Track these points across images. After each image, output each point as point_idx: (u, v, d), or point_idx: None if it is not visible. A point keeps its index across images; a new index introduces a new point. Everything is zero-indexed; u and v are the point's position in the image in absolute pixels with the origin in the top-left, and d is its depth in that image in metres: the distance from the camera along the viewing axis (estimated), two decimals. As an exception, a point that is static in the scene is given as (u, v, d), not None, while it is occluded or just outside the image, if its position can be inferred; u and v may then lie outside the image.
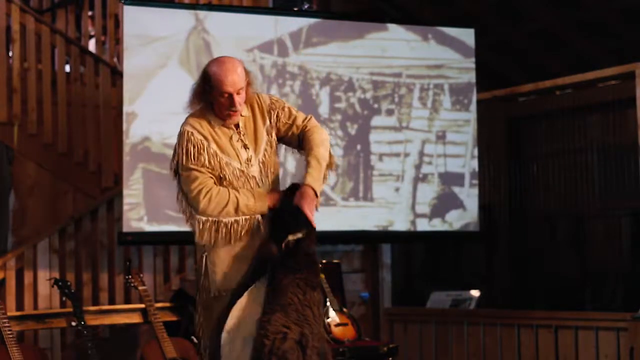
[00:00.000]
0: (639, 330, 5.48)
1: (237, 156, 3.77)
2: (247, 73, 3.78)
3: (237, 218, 3.72)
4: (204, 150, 3.72)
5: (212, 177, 3.73)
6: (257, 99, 3.90)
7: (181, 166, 3.75)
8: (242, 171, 3.76)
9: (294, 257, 3.72)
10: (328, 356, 3.74)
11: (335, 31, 6.31)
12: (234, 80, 3.69)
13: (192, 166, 3.72)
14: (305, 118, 3.93)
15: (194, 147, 3.73)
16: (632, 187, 6.24)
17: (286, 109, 3.92)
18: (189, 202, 3.78)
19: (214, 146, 3.75)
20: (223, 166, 3.74)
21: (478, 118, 6.62)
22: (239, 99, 3.73)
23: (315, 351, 3.65)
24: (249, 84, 3.78)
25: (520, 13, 7.21)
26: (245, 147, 3.80)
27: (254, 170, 3.79)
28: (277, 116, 3.89)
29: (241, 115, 3.81)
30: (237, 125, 3.81)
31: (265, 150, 3.84)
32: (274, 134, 3.88)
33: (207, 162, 3.72)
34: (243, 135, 3.81)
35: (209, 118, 3.79)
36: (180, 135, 3.78)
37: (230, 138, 3.78)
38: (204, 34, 5.96)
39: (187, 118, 3.83)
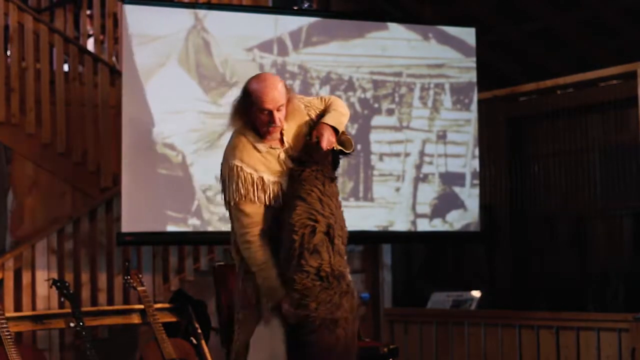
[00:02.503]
0: (640, 331, 5.48)
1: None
2: (287, 90, 3.81)
3: None
4: (252, 185, 3.72)
5: (260, 215, 3.73)
6: (294, 107, 3.90)
7: (231, 203, 3.76)
8: None
9: (308, 154, 3.79)
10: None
11: (335, 30, 6.29)
12: (274, 97, 3.72)
13: (241, 206, 3.73)
14: (330, 97, 4.03)
15: (243, 182, 3.73)
16: (633, 187, 6.24)
17: (315, 101, 3.99)
18: (237, 239, 3.81)
19: (265, 175, 3.75)
20: (278, 191, 3.76)
21: (479, 118, 6.61)
22: (279, 115, 3.74)
23: (341, 240, 3.72)
24: (289, 100, 3.81)
25: (521, 12, 7.19)
26: (293, 159, 3.84)
27: None
28: (316, 116, 3.94)
29: (283, 130, 3.83)
30: (282, 140, 3.83)
31: None
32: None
33: (257, 196, 3.72)
34: (291, 149, 3.83)
35: (254, 143, 3.79)
36: (229, 170, 3.76)
37: (278, 157, 3.80)
38: (204, 33, 5.95)
39: (233, 148, 3.80)
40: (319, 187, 3.73)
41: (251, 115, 3.77)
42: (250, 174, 3.72)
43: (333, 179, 3.82)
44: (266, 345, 3.76)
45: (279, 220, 3.74)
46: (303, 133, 3.87)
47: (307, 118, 3.91)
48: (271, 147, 3.79)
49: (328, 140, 3.81)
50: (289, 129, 3.85)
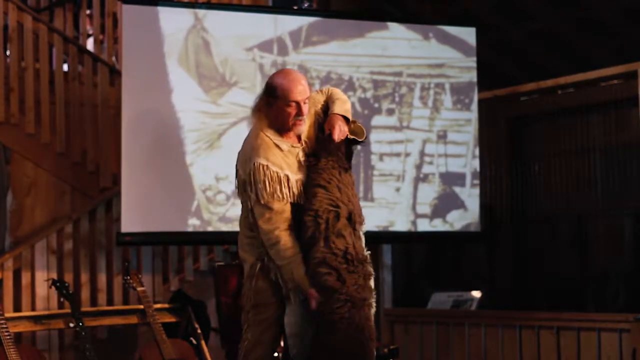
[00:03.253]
0: (641, 331, 5.47)
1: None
2: (309, 86, 3.91)
3: None
4: (278, 183, 3.79)
5: (287, 212, 3.80)
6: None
7: (261, 202, 3.80)
8: None
9: (322, 147, 3.88)
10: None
11: (335, 30, 6.28)
12: (302, 89, 3.81)
13: (270, 204, 3.78)
14: (328, 88, 4.12)
15: (270, 181, 3.78)
16: (634, 187, 6.23)
17: (317, 96, 4.05)
18: (261, 236, 3.85)
19: (288, 172, 3.82)
20: (301, 187, 3.83)
21: (479, 117, 6.60)
22: (306, 108, 3.83)
23: (360, 227, 3.91)
24: (309, 99, 3.89)
25: (522, 12, 7.18)
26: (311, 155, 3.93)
27: None
28: (321, 110, 4.02)
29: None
30: (299, 138, 3.91)
31: None
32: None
33: (283, 194, 3.79)
34: (306, 147, 3.91)
35: (276, 141, 3.85)
36: (255, 169, 3.80)
37: (297, 156, 3.87)
38: (203, 32, 5.94)
39: (256, 148, 3.84)
40: (336, 176, 3.81)
41: (275, 110, 3.81)
42: (277, 173, 3.79)
43: (347, 169, 3.90)
44: (299, 329, 3.83)
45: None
46: (314, 129, 3.94)
47: (316, 117, 3.98)
48: (292, 146, 3.86)
49: (341, 131, 3.87)
50: (305, 126, 3.93)
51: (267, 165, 3.78)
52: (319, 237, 3.74)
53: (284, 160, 3.82)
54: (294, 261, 3.77)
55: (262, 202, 3.78)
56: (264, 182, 3.77)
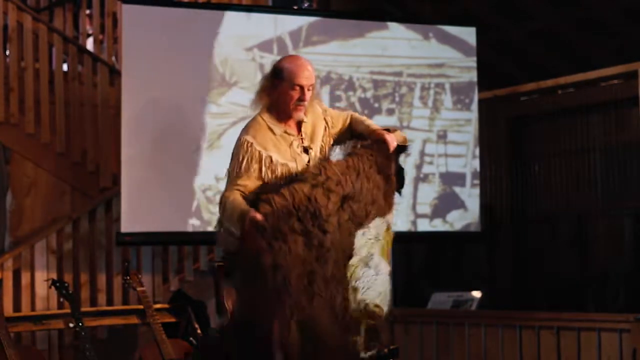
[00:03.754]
0: (642, 331, 5.45)
1: (297, 160, 3.86)
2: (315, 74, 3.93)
3: None
4: (258, 162, 3.79)
5: (251, 190, 3.79)
6: (314, 105, 4.01)
7: (231, 174, 3.84)
8: None
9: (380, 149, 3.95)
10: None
11: (335, 30, 6.27)
12: (308, 74, 3.83)
13: (239, 180, 3.79)
14: (349, 113, 4.13)
15: (250, 159, 3.79)
16: (634, 187, 6.22)
17: (332, 112, 4.08)
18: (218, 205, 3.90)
19: (274, 154, 3.82)
20: (285, 172, 3.82)
21: (479, 117, 6.59)
22: (308, 95, 3.83)
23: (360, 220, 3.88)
24: (313, 87, 3.90)
25: (522, 12, 7.18)
26: (306, 150, 3.91)
27: None
28: (332, 124, 4.02)
29: (304, 121, 3.92)
30: (299, 128, 3.90)
31: (321, 153, 3.97)
32: (329, 141, 4.00)
33: (257, 172, 3.79)
34: (304, 139, 3.91)
35: (271, 125, 3.86)
36: (240, 144, 3.84)
37: (291, 144, 3.87)
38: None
39: (248, 126, 3.89)
40: (361, 163, 3.82)
41: (279, 93, 3.83)
42: (259, 152, 3.80)
43: (387, 175, 3.95)
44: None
45: None
46: (318, 133, 3.95)
47: (324, 122, 3.99)
48: (286, 132, 3.87)
49: (393, 141, 3.93)
50: (307, 122, 3.93)
51: (251, 143, 3.80)
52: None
53: (272, 143, 3.83)
54: (237, 203, 3.76)
55: (234, 175, 3.81)
56: (244, 157, 3.79)
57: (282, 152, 3.84)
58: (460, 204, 6.52)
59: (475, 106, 6.58)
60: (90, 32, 7.24)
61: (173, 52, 5.85)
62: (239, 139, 3.86)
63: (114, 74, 6.62)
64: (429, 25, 6.52)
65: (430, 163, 6.47)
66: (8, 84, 6.35)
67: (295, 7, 6.88)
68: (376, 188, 3.94)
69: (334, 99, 6.26)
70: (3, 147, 6.42)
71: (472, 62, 6.57)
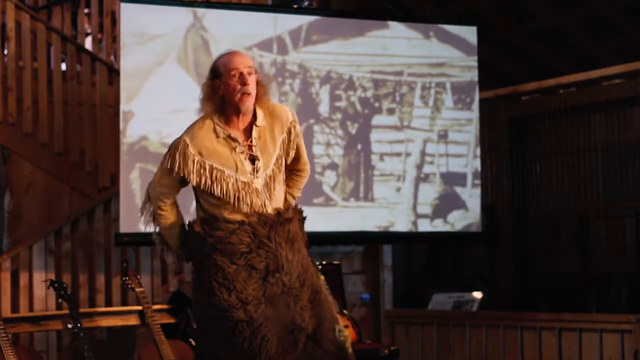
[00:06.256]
0: (644, 332, 5.44)
1: (238, 168, 3.68)
2: (260, 74, 3.77)
3: None
4: (186, 165, 3.69)
5: (176, 190, 3.80)
6: (276, 109, 3.80)
7: (162, 161, 3.78)
8: (245, 182, 3.67)
9: None
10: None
11: (335, 29, 6.25)
12: (242, 59, 3.68)
13: (163, 179, 3.78)
14: (307, 162, 3.93)
15: (183, 159, 3.69)
16: (636, 187, 6.21)
17: (300, 140, 3.85)
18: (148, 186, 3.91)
19: (211, 160, 3.68)
20: (221, 178, 3.67)
21: (480, 117, 6.58)
22: (250, 79, 3.66)
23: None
24: (256, 72, 3.72)
25: (523, 11, 7.16)
26: (254, 158, 3.71)
27: (259, 182, 3.69)
28: (291, 140, 3.80)
29: (256, 125, 3.72)
30: (249, 134, 3.71)
31: (275, 164, 3.75)
32: (288, 152, 3.81)
33: (191, 177, 3.68)
34: (254, 147, 3.71)
35: (216, 127, 3.71)
36: (177, 142, 3.73)
37: (234, 150, 3.69)
38: (202, 31, 5.91)
39: (192, 125, 3.77)
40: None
41: (222, 91, 3.68)
42: (193, 155, 3.68)
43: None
44: None
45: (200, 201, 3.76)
46: (273, 142, 3.74)
47: (285, 134, 3.77)
48: (230, 137, 3.69)
49: None
50: (264, 128, 3.73)
51: (187, 144, 3.69)
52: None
53: (213, 147, 3.68)
54: (172, 229, 3.84)
55: (162, 168, 3.77)
56: (175, 157, 3.70)
57: (224, 157, 3.67)
58: (461, 204, 6.50)
59: (476, 106, 6.56)
60: (88, 31, 7.22)
61: (172, 51, 5.82)
62: (178, 138, 3.75)
63: (113, 73, 6.60)
64: (430, 25, 6.51)
65: (431, 163, 6.45)
66: (6, 83, 6.33)
67: (295, 6, 6.84)
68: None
69: (334, 99, 6.24)
70: (1, 147, 6.39)
71: (473, 61, 6.55)
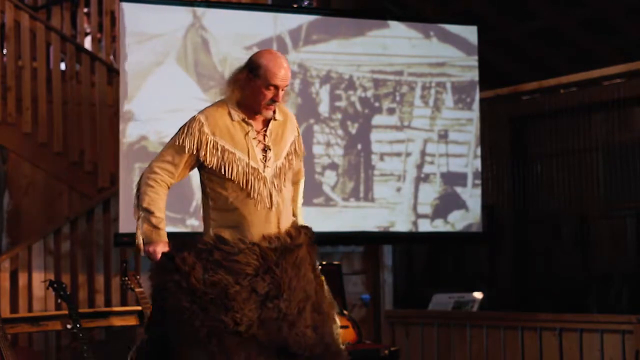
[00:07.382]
0: (645, 333, 5.42)
1: (249, 152, 3.68)
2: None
3: None
4: (198, 144, 3.67)
5: (180, 169, 3.73)
6: (288, 112, 3.85)
7: (172, 140, 3.73)
8: (255, 168, 3.67)
9: None
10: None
11: (335, 28, 6.25)
12: (285, 74, 3.66)
13: (173, 150, 3.71)
14: (301, 168, 3.96)
15: (196, 137, 3.67)
16: (637, 187, 6.21)
17: (301, 144, 3.89)
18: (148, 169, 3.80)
19: (223, 141, 3.68)
20: (232, 160, 3.67)
21: (481, 117, 6.57)
22: (281, 95, 3.68)
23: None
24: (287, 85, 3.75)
25: (524, 10, 7.15)
26: (266, 148, 3.72)
27: (268, 172, 3.69)
28: (300, 142, 3.86)
29: (274, 119, 3.75)
30: (266, 126, 3.73)
31: (286, 159, 3.76)
32: (297, 152, 3.84)
33: (194, 151, 3.67)
34: (267, 136, 3.73)
35: (231, 110, 3.71)
36: (192, 120, 3.72)
37: (247, 134, 3.70)
38: (202, 31, 5.90)
39: (208, 106, 3.78)
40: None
41: (252, 89, 3.67)
42: (207, 134, 3.67)
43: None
44: None
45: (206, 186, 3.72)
46: (286, 140, 3.77)
47: (294, 136, 3.82)
48: (244, 120, 3.70)
49: None
50: (277, 123, 3.76)
51: (203, 123, 3.68)
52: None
53: (227, 129, 3.69)
54: (151, 212, 3.77)
55: (170, 144, 3.72)
56: (186, 133, 3.68)
57: (236, 140, 3.67)
58: (461, 204, 6.49)
59: (476, 105, 6.55)
60: (88, 30, 7.22)
61: (171, 51, 5.82)
62: (192, 117, 3.73)
63: (112, 73, 6.59)
64: (430, 24, 6.50)
65: (432, 163, 6.44)
66: (5, 83, 6.33)
67: (295, 6, 6.85)
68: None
69: (334, 98, 6.23)
70: (0, 146, 6.39)
71: (473, 61, 6.54)
